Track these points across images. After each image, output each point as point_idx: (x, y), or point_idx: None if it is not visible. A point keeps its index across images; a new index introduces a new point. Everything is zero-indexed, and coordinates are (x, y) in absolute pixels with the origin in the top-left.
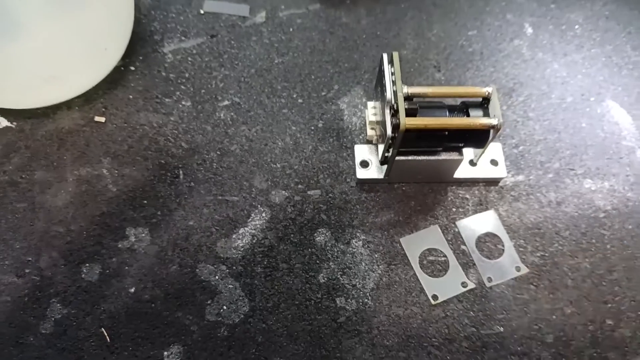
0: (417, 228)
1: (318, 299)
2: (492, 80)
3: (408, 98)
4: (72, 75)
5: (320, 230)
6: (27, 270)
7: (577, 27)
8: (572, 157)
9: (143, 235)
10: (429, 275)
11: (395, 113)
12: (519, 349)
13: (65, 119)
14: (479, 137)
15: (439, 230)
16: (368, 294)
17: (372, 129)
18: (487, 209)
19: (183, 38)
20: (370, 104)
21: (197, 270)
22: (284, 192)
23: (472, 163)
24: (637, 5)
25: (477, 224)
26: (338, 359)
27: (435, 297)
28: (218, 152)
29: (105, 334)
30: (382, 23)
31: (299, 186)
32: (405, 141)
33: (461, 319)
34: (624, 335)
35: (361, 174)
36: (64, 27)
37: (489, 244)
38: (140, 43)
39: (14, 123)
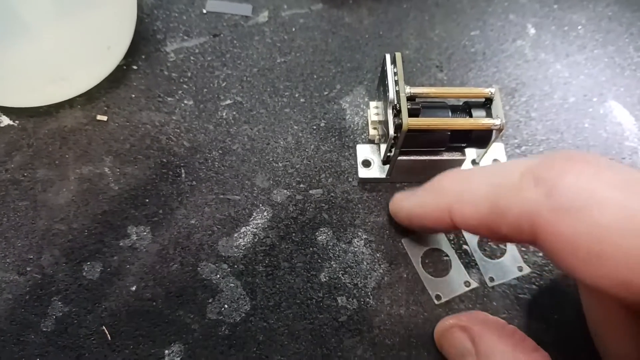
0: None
1: (319, 298)
2: (494, 80)
3: (410, 98)
4: (75, 74)
5: (321, 229)
6: (28, 268)
7: (579, 28)
8: None
9: (144, 233)
10: (432, 275)
11: (397, 113)
12: None
13: (67, 117)
14: (481, 138)
15: None
16: (370, 293)
17: (374, 128)
18: None
19: (185, 37)
20: (373, 103)
21: (198, 268)
22: (285, 191)
23: (475, 163)
24: None
25: None
26: (339, 357)
27: (438, 297)
28: (220, 151)
29: (106, 332)
30: (385, 23)
31: (301, 185)
32: (407, 141)
33: None
34: None
35: (363, 173)
36: (69, 27)
37: (491, 243)
38: (143, 42)
39: (17, 121)
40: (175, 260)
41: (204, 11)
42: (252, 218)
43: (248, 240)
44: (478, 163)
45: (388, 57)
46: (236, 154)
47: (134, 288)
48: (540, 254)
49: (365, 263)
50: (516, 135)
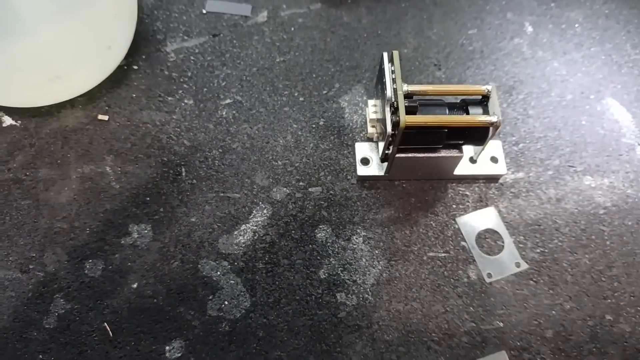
0: (417, 225)
1: (319, 295)
2: (492, 78)
3: (408, 96)
4: (76, 74)
5: (321, 226)
6: (31, 266)
7: (576, 25)
8: (572, 155)
9: (146, 231)
10: (485, 254)
11: (395, 111)
12: (518, 344)
13: (69, 117)
14: (478, 135)
15: (495, 211)
16: (368, 289)
17: (372, 126)
18: (487, 205)
19: (186, 37)
20: (371, 102)
21: (199, 266)
22: (285, 189)
23: (472, 160)
24: (636, 4)
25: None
26: (338, 353)
27: (489, 275)
28: (220, 150)
29: (108, 329)
30: (383, 22)
31: (300, 183)
32: (405, 138)
33: (461, 314)
34: (623, 331)
35: (362, 171)
36: (70, 27)
37: (488, 240)
38: (144, 42)
39: (19, 121)
40: (176, 257)
41: (204, 11)
42: (252, 216)
43: (248, 237)
44: (476, 160)
45: (385, 55)
46: (236, 153)
47: (135, 285)
48: (538, 251)
49: (364, 260)
50: (514, 133)
